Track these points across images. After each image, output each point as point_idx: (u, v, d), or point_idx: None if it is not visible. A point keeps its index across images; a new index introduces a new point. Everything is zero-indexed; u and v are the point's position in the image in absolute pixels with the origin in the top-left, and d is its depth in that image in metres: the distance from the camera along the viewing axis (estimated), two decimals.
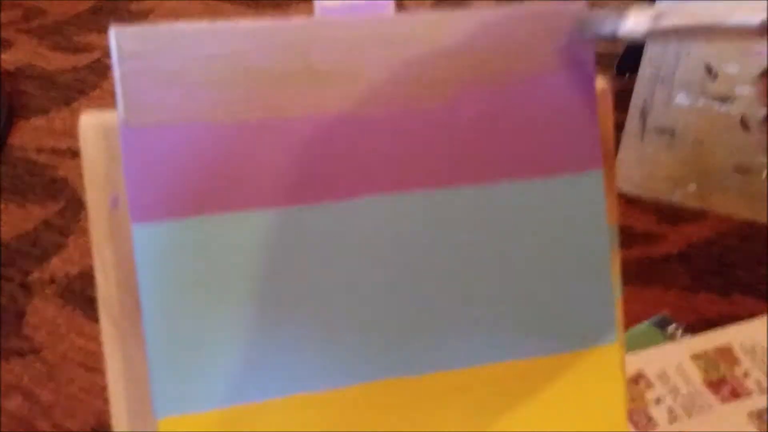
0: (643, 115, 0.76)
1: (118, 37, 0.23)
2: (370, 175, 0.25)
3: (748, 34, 0.20)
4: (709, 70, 0.71)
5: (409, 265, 0.25)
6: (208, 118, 0.23)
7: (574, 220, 0.26)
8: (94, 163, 0.24)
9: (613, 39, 0.23)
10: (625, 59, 1.03)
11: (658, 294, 0.65)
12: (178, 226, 0.23)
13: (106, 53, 1.02)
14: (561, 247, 0.26)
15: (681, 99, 0.74)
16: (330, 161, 0.24)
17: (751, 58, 0.67)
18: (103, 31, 1.09)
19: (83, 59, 1.00)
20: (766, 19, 0.19)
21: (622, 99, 0.92)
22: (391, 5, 0.26)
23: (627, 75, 0.99)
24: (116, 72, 0.23)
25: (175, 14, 1.13)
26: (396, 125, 0.25)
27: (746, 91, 0.70)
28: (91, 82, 0.96)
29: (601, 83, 0.27)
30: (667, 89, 0.74)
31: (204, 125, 0.23)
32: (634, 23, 0.22)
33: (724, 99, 0.71)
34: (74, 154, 0.84)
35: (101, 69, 0.98)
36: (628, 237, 0.72)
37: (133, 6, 1.15)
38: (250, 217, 0.24)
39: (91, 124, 0.24)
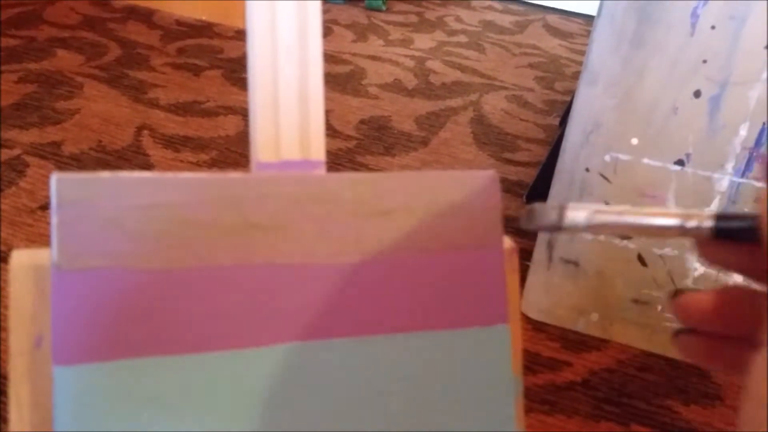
0: (550, 245, 0.81)
1: (59, 184, 0.24)
2: (294, 321, 0.26)
3: (668, 234, 0.24)
4: None
5: (325, 411, 0.26)
6: (140, 265, 0.24)
7: (481, 370, 0.28)
8: (21, 302, 0.24)
9: (557, 230, 0.26)
10: (534, 189, 1.10)
11: (561, 422, 0.68)
12: (100, 370, 0.24)
13: (27, 150, 1.01)
14: (468, 396, 0.28)
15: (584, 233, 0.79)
16: (254, 308, 0.26)
17: (646, 198, 0.74)
18: (25, 127, 1.08)
19: (2, 155, 0.99)
20: (680, 223, 0.24)
21: None
22: (323, 164, 0.28)
23: None
24: (54, 217, 0.24)
25: (102, 116, 1.13)
26: (320, 276, 0.26)
27: None
28: (8, 179, 0.94)
29: (509, 243, 0.30)
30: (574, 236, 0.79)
31: (136, 271, 0.24)
32: (574, 217, 0.25)
33: (623, 235, 0.77)
34: None
35: (20, 166, 0.97)
36: (534, 363, 0.75)
37: (60, 105, 1.15)
38: (174, 361, 0.24)
39: (22, 263, 0.24)
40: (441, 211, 0.28)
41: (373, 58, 1.63)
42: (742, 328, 0.25)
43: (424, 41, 1.81)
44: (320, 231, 0.26)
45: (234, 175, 0.26)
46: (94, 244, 0.24)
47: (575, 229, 0.25)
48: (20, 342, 0.24)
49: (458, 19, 2.08)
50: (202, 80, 1.35)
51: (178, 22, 1.66)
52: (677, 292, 0.26)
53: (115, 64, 1.36)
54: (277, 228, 0.26)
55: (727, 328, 0.25)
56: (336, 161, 1.11)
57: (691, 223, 0.24)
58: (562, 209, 0.26)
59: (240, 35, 1.64)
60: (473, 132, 1.30)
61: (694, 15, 0.66)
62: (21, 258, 0.24)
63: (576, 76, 1.69)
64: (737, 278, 0.25)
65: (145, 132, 1.10)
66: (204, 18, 1.70)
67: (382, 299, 0.27)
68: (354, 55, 1.63)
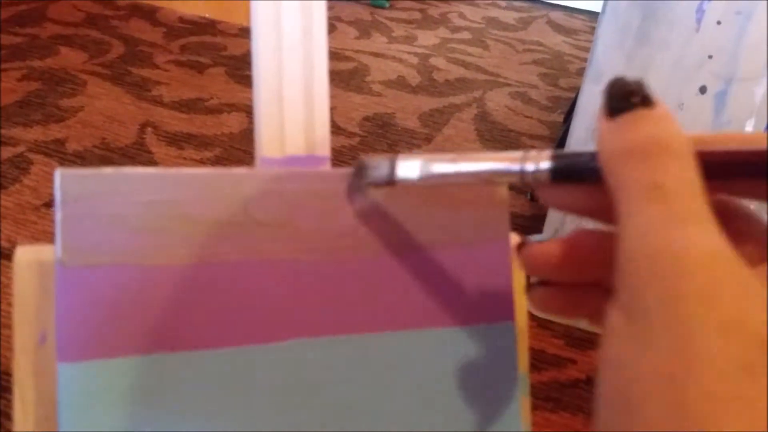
0: None
1: (63, 180, 0.23)
2: (297, 318, 0.26)
3: (507, 179, 0.23)
4: None
5: (330, 409, 0.26)
6: (144, 261, 0.24)
7: (487, 367, 0.28)
8: (25, 298, 0.24)
9: (389, 184, 0.24)
10: None
11: (566, 419, 0.67)
12: (104, 367, 0.23)
13: (30, 148, 1.01)
14: (474, 394, 0.28)
15: None
16: (258, 304, 0.25)
17: None
18: (29, 125, 1.08)
19: (5, 153, 0.98)
20: (518, 166, 0.22)
21: (536, 222, 0.97)
22: (328, 160, 0.28)
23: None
24: (58, 214, 0.23)
25: (106, 113, 1.13)
26: (325, 273, 0.26)
27: None
28: (12, 176, 0.94)
29: (515, 239, 0.29)
30: (576, 221, 0.79)
31: (139, 268, 0.24)
32: (407, 167, 0.24)
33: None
34: None
35: (24, 164, 0.97)
36: (539, 361, 0.75)
37: (63, 102, 1.15)
38: (178, 358, 0.24)
39: (26, 259, 0.24)
40: (446, 206, 0.28)
41: (377, 55, 1.62)
42: (594, 274, 0.23)
43: (427, 38, 1.81)
44: (325, 227, 0.26)
45: (238, 170, 0.26)
46: (98, 241, 0.24)
47: (410, 181, 0.24)
48: (24, 339, 0.24)
49: (462, 16, 2.07)
50: (205, 78, 1.35)
51: (182, 20, 1.66)
52: (522, 243, 0.24)
53: (119, 61, 1.36)
54: (281, 224, 0.26)
55: (579, 275, 0.23)
56: (339, 158, 1.11)
57: (529, 166, 0.22)
58: (393, 161, 0.24)
59: (243, 32, 1.64)
60: (477, 129, 1.30)
61: (700, 10, 0.66)
62: (25, 254, 0.24)
63: (580, 72, 1.69)
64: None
65: (149, 129, 1.10)
66: (207, 15, 1.70)
67: (388, 296, 0.27)
68: (357, 52, 1.63)
